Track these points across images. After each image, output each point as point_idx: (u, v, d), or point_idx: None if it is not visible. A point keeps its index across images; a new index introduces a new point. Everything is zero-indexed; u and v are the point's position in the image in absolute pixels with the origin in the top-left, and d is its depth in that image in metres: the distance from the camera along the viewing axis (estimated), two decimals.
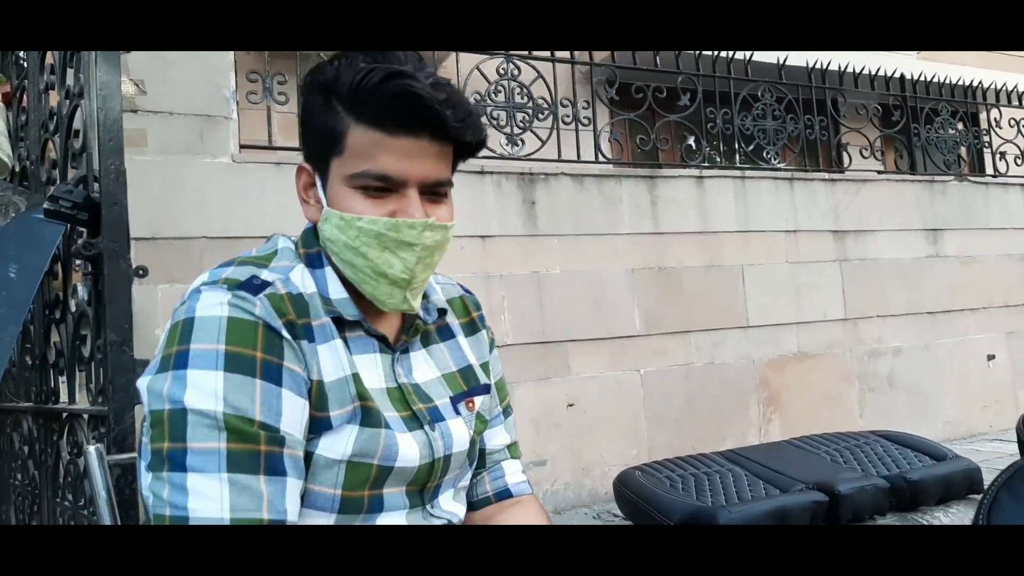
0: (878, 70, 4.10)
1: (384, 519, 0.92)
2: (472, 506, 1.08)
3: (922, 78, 4.31)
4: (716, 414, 3.30)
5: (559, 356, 3.01)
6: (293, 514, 0.81)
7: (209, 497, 0.76)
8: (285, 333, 0.85)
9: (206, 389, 0.79)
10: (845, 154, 3.98)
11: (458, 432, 1.00)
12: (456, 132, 0.88)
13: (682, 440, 3.18)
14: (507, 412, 1.16)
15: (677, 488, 2.57)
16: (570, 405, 3.00)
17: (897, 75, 4.17)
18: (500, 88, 3.12)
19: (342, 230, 0.90)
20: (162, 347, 0.84)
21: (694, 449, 3.08)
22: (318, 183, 0.94)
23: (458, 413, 1.01)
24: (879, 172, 4.17)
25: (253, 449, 0.79)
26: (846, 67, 3.99)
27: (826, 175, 3.79)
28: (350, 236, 0.89)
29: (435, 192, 0.92)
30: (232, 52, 2.62)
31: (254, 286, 0.86)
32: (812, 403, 3.54)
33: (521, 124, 3.12)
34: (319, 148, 0.92)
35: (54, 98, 2.04)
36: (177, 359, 0.81)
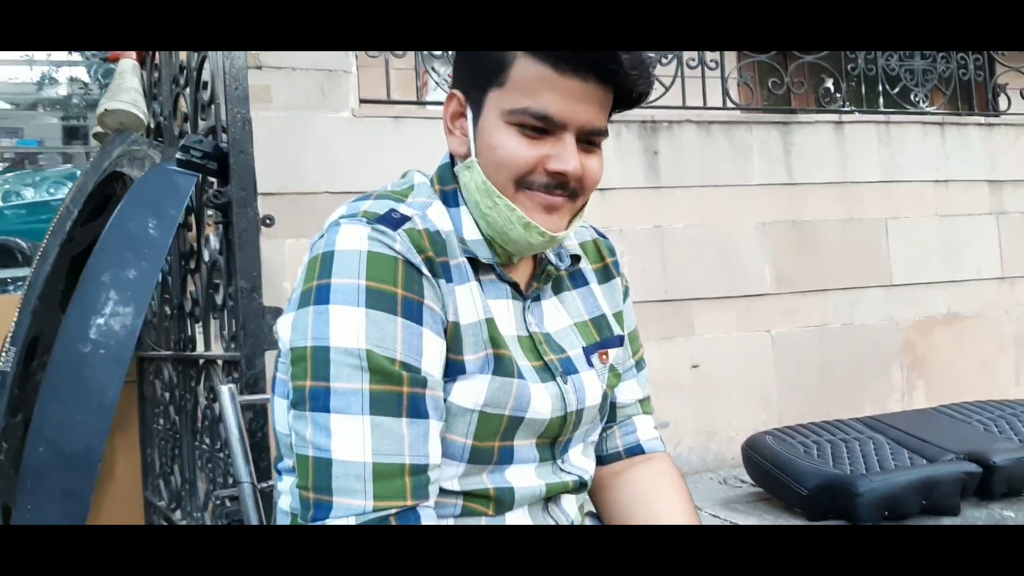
0: None
1: (513, 471, 0.89)
2: (601, 460, 1.03)
3: None
4: (854, 379, 3.10)
5: (683, 315, 2.89)
6: (435, 457, 0.79)
7: (352, 439, 0.76)
8: (425, 270, 0.82)
9: (348, 326, 0.77)
10: (1003, 96, 3.60)
11: (591, 386, 0.95)
12: (628, 79, 0.83)
13: (815, 406, 2.99)
14: (640, 365, 1.11)
15: (812, 454, 2.43)
16: (694, 366, 2.88)
17: None
18: None
19: (482, 194, 0.87)
20: (301, 281, 0.83)
21: (829, 416, 2.91)
22: (469, 115, 0.89)
23: (591, 365, 0.97)
24: None
25: (395, 391, 0.77)
26: None
27: (981, 119, 3.45)
28: (486, 204, 0.87)
29: (590, 141, 0.87)
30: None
31: (393, 220, 0.83)
32: (962, 369, 3.26)
33: None
34: (477, 77, 0.87)
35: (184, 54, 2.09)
36: (318, 293, 0.79)
